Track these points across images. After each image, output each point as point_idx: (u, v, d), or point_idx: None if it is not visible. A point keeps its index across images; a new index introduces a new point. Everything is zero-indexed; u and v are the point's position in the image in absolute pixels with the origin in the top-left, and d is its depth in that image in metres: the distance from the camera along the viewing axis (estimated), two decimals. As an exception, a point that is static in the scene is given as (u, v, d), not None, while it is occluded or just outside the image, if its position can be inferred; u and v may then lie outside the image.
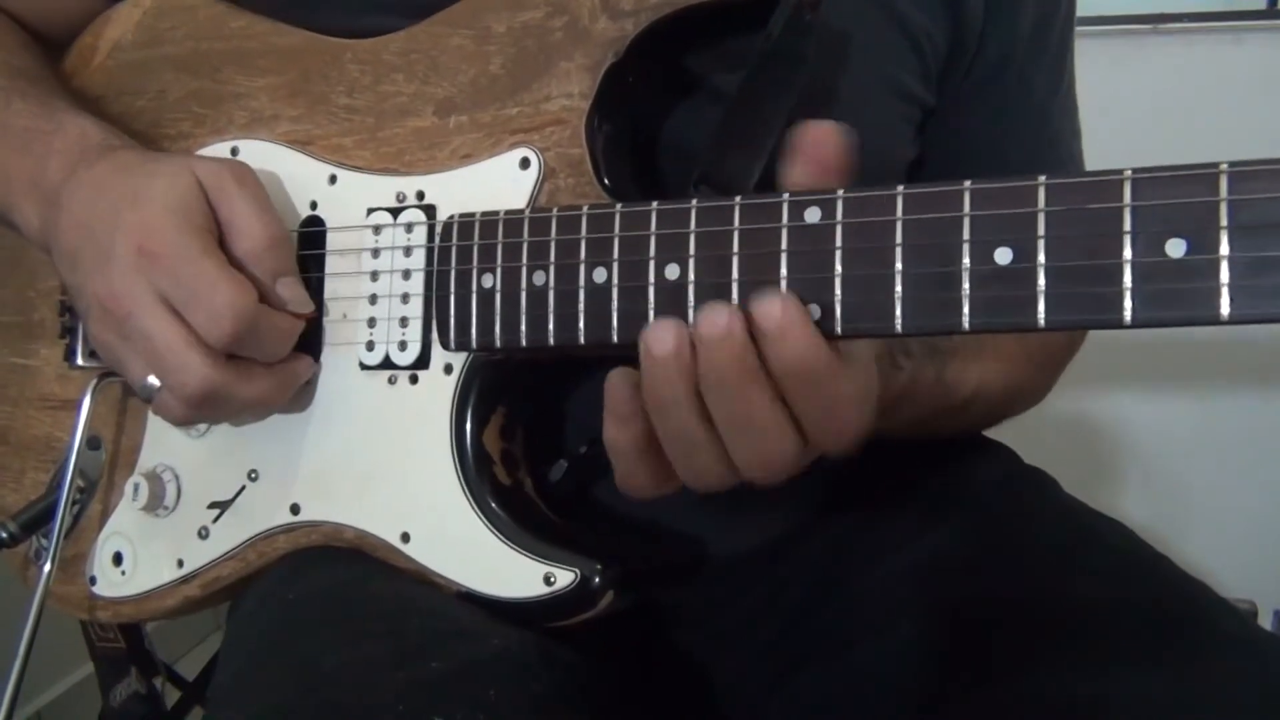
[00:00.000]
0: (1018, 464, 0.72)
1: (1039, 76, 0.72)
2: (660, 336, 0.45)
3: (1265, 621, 1.52)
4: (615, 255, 0.51)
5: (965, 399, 0.67)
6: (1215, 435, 1.66)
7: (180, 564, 0.65)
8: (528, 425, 0.60)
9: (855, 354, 0.47)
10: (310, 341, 0.61)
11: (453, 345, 0.57)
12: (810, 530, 0.69)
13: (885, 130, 0.68)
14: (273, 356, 0.59)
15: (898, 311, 0.45)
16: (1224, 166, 0.39)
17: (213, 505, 0.64)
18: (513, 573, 0.54)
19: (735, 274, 0.48)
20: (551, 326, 0.53)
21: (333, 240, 0.62)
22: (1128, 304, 0.40)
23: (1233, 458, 1.65)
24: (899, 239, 0.44)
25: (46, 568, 0.65)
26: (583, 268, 0.52)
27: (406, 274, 0.59)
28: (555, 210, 0.53)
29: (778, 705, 0.65)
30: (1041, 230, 0.42)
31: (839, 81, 0.62)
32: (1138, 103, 1.47)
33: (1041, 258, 0.42)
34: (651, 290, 0.49)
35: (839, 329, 0.46)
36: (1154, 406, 1.68)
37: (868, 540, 0.67)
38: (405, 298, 0.59)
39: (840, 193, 0.46)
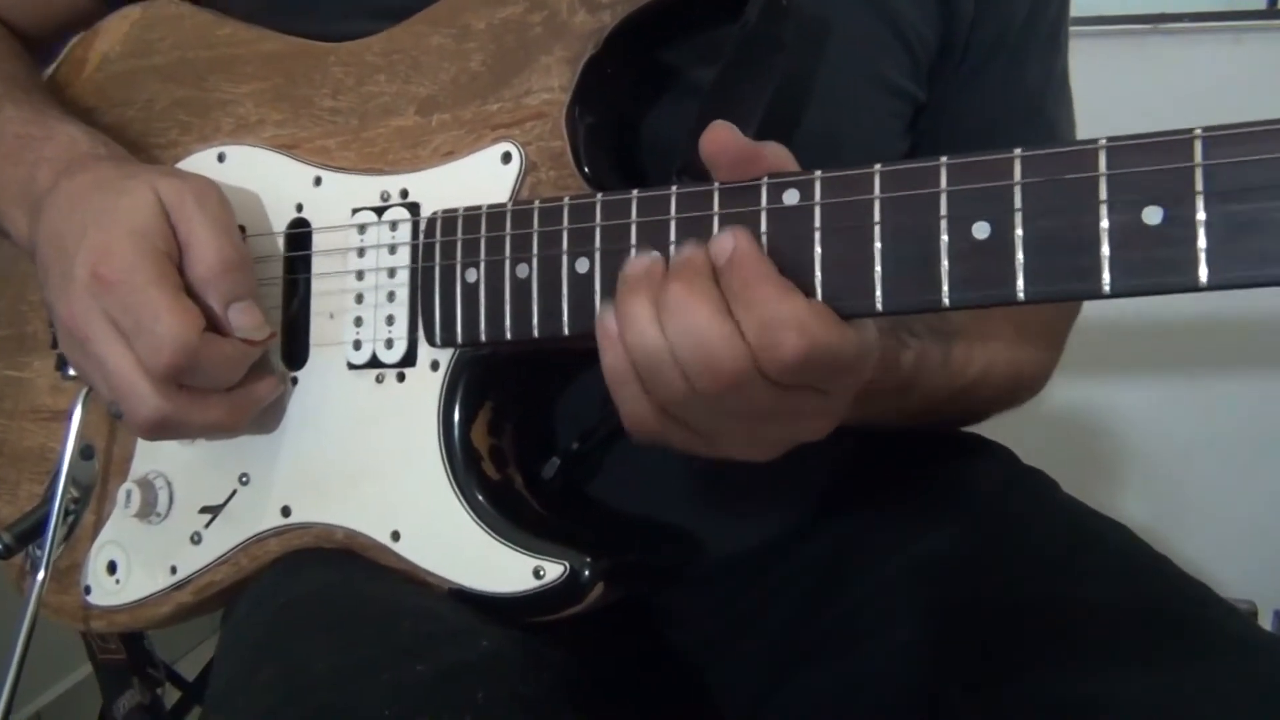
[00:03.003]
0: (1017, 465, 0.72)
1: (1031, 64, 0.72)
2: (637, 262, 0.48)
3: (1265, 621, 1.50)
4: (597, 245, 0.51)
5: (972, 380, 0.66)
6: (1215, 435, 1.65)
7: (174, 570, 0.65)
8: (517, 421, 0.60)
9: None
10: (295, 343, 0.61)
11: (438, 341, 0.57)
12: (808, 531, 0.69)
13: (875, 126, 0.67)
14: (222, 384, 0.58)
15: (878, 290, 0.44)
16: (1198, 132, 0.39)
17: (204, 510, 0.64)
18: (502, 567, 0.54)
19: (716, 258, 0.47)
20: (535, 319, 0.53)
21: (318, 241, 0.62)
22: (1106, 273, 0.40)
23: (1233, 458, 1.64)
24: (877, 217, 0.44)
25: (39, 576, 0.65)
26: (565, 258, 0.52)
27: (392, 272, 0.59)
28: (537, 202, 0.53)
29: (776, 707, 0.64)
30: (1018, 203, 0.42)
31: (827, 78, 0.62)
32: (1138, 103, 1.47)
33: (1019, 230, 0.42)
34: (633, 278, 0.49)
35: (820, 310, 0.46)
36: (1154, 407, 1.68)
37: (867, 541, 0.66)
38: (391, 296, 0.59)
39: (818, 174, 0.46)
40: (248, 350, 0.58)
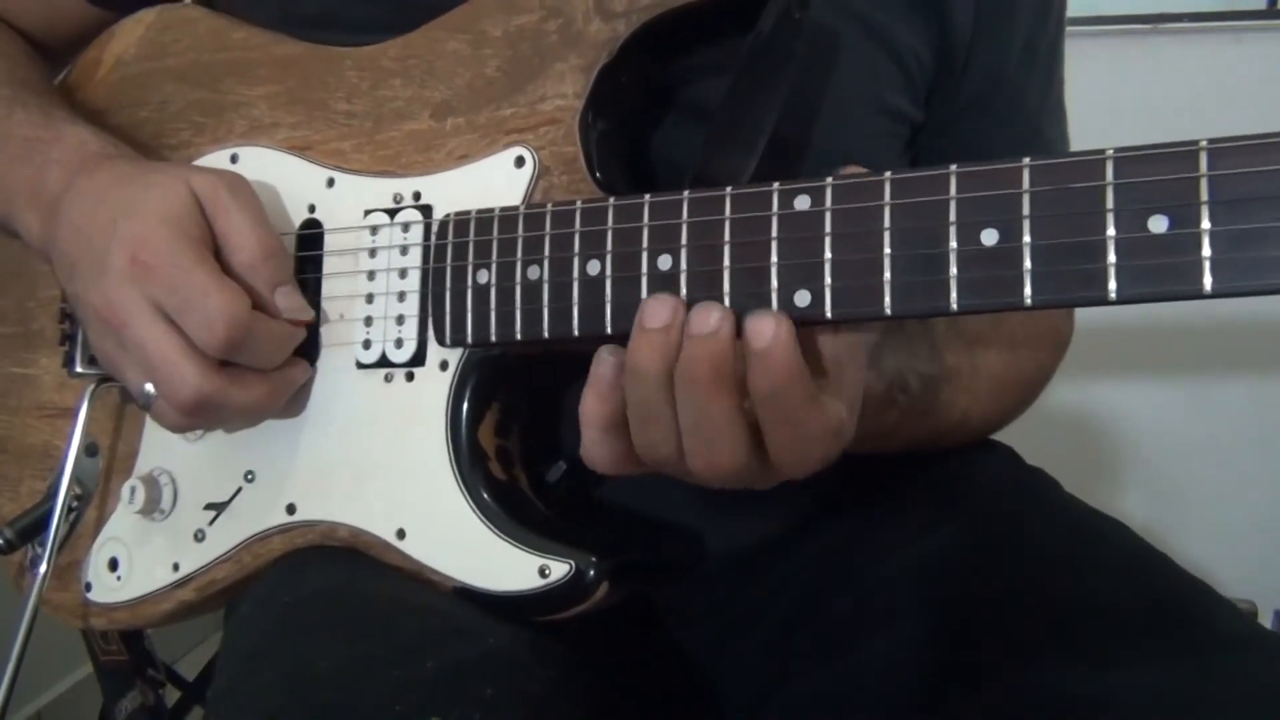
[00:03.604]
0: (1018, 464, 0.72)
1: (1031, 87, 0.73)
2: (655, 311, 0.47)
3: (1265, 621, 1.50)
4: (609, 248, 0.51)
5: (949, 427, 0.67)
6: (1216, 435, 1.65)
7: (176, 568, 0.65)
8: (524, 423, 0.60)
9: (839, 386, 0.48)
10: (307, 342, 0.62)
11: (448, 341, 0.57)
12: (810, 529, 0.69)
13: (871, 147, 0.68)
14: (269, 364, 0.59)
15: (887, 295, 0.45)
16: (1203, 143, 0.40)
17: (209, 507, 0.64)
18: (507, 566, 0.55)
19: (727, 262, 0.48)
20: (546, 320, 0.53)
21: (330, 242, 0.63)
22: (1112, 281, 0.41)
23: (1233, 458, 1.65)
24: (887, 223, 0.45)
25: (41, 569, 0.65)
26: (576, 261, 0.52)
27: (403, 273, 0.59)
28: (549, 205, 0.54)
29: (778, 705, 0.65)
30: (1026, 210, 0.42)
31: (824, 101, 0.63)
32: (1138, 103, 1.47)
33: (1027, 237, 0.42)
34: (644, 280, 0.50)
35: (829, 314, 0.46)
36: (1155, 407, 1.68)
37: (869, 540, 0.67)
38: (401, 296, 0.59)
39: (829, 180, 0.47)
40: (293, 331, 0.59)
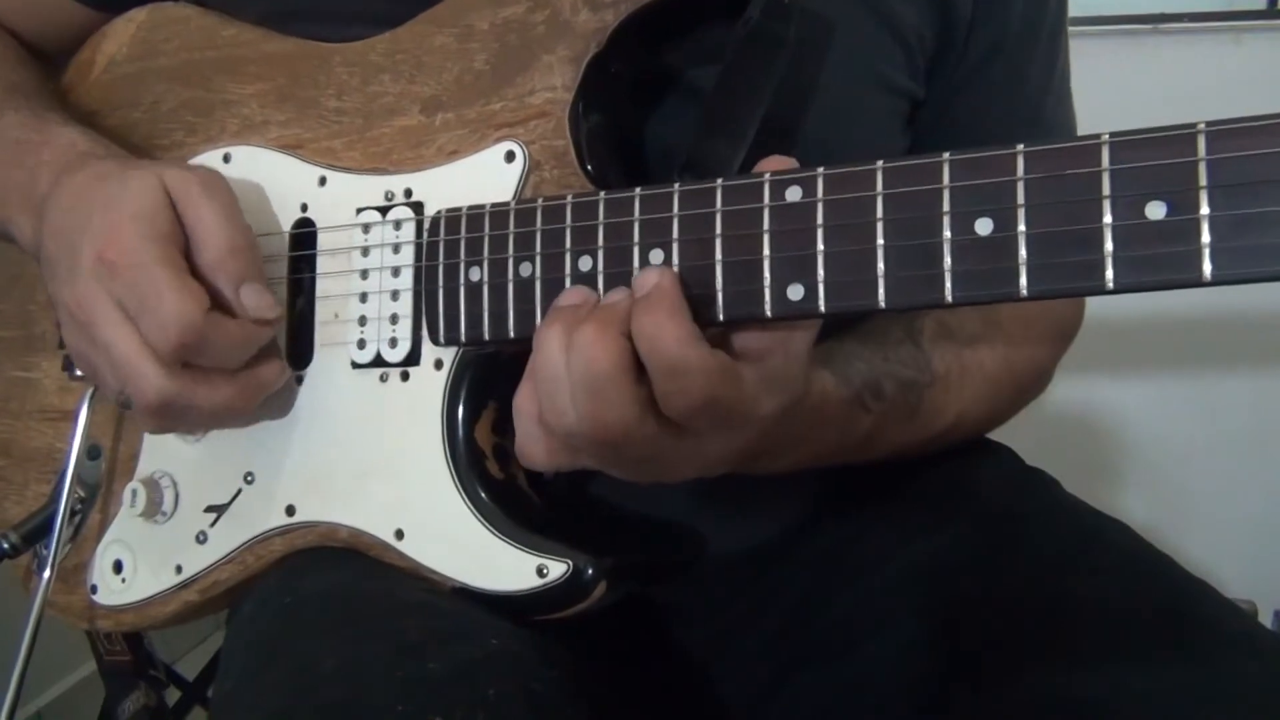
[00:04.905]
0: (1019, 464, 0.72)
1: (1031, 67, 0.72)
2: (570, 292, 0.50)
3: (1265, 621, 1.50)
4: (600, 242, 0.51)
5: (942, 430, 0.66)
6: (1216, 435, 1.64)
7: (179, 570, 0.65)
8: (520, 420, 0.60)
9: (762, 371, 0.48)
10: (302, 342, 0.61)
11: (442, 340, 0.57)
12: (811, 530, 0.69)
13: (873, 125, 0.67)
14: (232, 364, 0.58)
15: (880, 288, 0.44)
16: (1201, 126, 0.39)
17: (210, 509, 0.64)
18: (505, 566, 0.54)
19: (719, 255, 0.47)
20: (539, 317, 0.52)
21: (323, 240, 0.62)
22: (1109, 269, 0.40)
23: (1233, 458, 1.64)
24: (879, 213, 0.44)
25: (45, 574, 0.65)
26: (568, 256, 0.52)
27: (396, 271, 0.59)
28: (540, 200, 0.53)
29: (779, 705, 0.64)
30: (1021, 199, 0.41)
31: (825, 79, 0.62)
32: (1138, 103, 1.46)
33: (1022, 226, 0.41)
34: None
35: (822, 308, 0.46)
36: (1154, 406, 1.67)
37: (869, 541, 0.66)
38: (395, 295, 0.59)
39: (820, 170, 0.46)
40: (257, 331, 0.58)
